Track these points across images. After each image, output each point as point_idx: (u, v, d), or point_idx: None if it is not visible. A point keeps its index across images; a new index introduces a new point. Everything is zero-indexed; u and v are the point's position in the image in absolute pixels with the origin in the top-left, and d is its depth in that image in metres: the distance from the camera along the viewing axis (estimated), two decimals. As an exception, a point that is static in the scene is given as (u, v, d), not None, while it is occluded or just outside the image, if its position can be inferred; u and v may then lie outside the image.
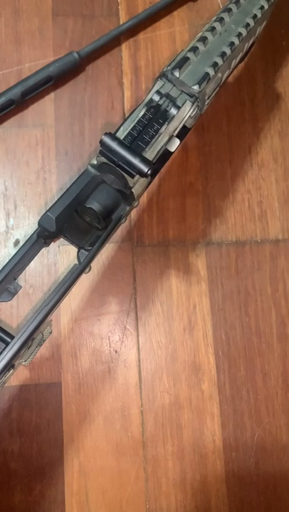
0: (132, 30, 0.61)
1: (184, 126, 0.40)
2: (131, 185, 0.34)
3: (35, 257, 0.54)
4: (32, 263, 0.54)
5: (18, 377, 0.52)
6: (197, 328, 0.55)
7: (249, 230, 0.58)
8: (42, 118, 0.58)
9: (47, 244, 0.36)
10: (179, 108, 0.37)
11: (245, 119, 0.61)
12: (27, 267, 0.54)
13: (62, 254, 0.54)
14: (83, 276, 0.55)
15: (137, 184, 0.35)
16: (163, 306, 0.55)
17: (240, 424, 0.54)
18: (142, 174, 0.33)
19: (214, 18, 0.43)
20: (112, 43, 0.60)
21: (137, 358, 0.54)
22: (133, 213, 0.57)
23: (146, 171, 0.33)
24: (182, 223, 0.57)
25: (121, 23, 0.61)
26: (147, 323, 0.55)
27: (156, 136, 0.35)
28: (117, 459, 0.52)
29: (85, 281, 0.54)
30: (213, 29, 0.41)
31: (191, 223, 0.58)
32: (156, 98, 0.37)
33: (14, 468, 0.50)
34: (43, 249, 0.54)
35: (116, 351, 0.54)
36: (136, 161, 0.33)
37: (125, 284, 0.55)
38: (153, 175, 0.39)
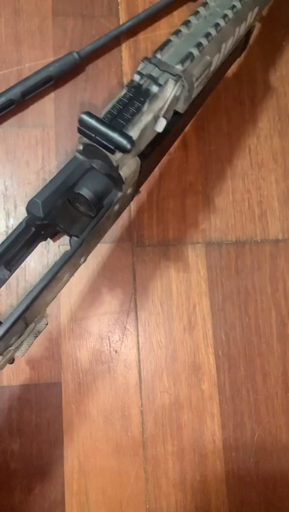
0: (132, 30, 0.61)
1: (177, 112, 0.40)
2: (115, 164, 0.34)
3: (36, 258, 0.54)
4: (32, 263, 0.54)
5: (18, 377, 0.52)
6: (197, 328, 0.55)
7: (249, 230, 0.58)
8: (42, 118, 0.58)
9: (43, 237, 0.36)
10: (160, 86, 0.37)
11: (245, 119, 0.61)
12: (27, 268, 0.54)
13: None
14: (83, 275, 0.55)
15: (124, 166, 0.35)
16: (163, 306, 0.55)
17: (240, 424, 0.54)
18: (122, 148, 0.33)
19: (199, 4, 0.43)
20: (112, 43, 0.60)
21: (137, 358, 0.54)
22: (133, 213, 0.57)
23: (124, 143, 0.32)
24: (182, 223, 0.57)
25: (121, 23, 0.61)
26: (147, 323, 0.55)
27: (138, 115, 0.35)
28: (117, 459, 0.52)
29: (85, 280, 0.54)
30: (197, 13, 0.41)
31: (191, 223, 0.58)
32: (137, 78, 0.37)
33: (14, 468, 0.50)
34: (44, 249, 0.54)
35: (116, 351, 0.54)
36: (114, 135, 0.32)
37: (125, 284, 0.55)
38: (144, 159, 0.38)
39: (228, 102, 0.61)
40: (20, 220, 0.55)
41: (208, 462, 0.53)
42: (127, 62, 0.61)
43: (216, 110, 0.61)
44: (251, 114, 0.62)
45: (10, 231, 0.55)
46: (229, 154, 0.60)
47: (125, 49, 0.61)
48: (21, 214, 0.55)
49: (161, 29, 0.62)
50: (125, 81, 0.60)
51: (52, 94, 0.59)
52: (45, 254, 0.54)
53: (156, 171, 0.57)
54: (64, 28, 0.61)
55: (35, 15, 0.61)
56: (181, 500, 0.52)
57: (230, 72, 0.60)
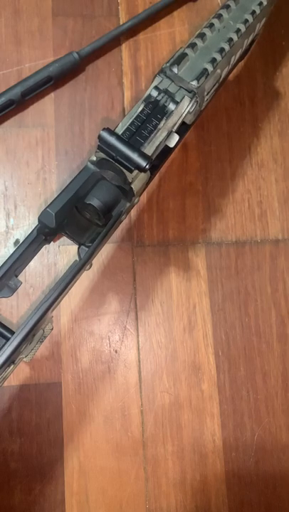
0: (132, 30, 0.61)
1: (184, 123, 0.40)
2: (130, 180, 0.34)
3: (36, 257, 0.54)
4: (32, 263, 0.54)
5: (18, 376, 0.52)
6: (197, 328, 0.55)
7: (249, 230, 0.58)
8: (42, 118, 0.58)
9: (48, 241, 0.36)
10: (177, 103, 0.37)
11: (245, 119, 0.61)
12: (27, 268, 0.54)
13: (62, 254, 0.54)
14: (83, 275, 0.55)
15: (137, 180, 0.35)
16: (163, 306, 0.55)
17: (240, 424, 0.54)
18: (141, 169, 0.33)
19: (213, 15, 0.43)
20: (112, 43, 0.60)
21: (137, 358, 0.54)
22: (133, 213, 0.57)
23: (144, 165, 0.33)
24: (182, 223, 0.57)
25: (121, 23, 0.61)
26: (147, 323, 0.55)
27: (155, 132, 0.35)
28: (117, 459, 0.52)
29: (85, 280, 0.54)
30: (211, 25, 0.41)
31: (191, 223, 0.58)
32: (155, 94, 0.37)
33: (14, 468, 0.50)
34: (43, 249, 0.54)
35: (116, 351, 0.54)
36: (134, 156, 0.33)
37: (125, 283, 0.55)
38: (153, 171, 0.39)
39: (228, 102, 0.61)
40: (21, 219, 0.55)
41: (208, 462, 0.53)
42: (127, 62, 0.61)
43: (216, 110, 0.61)
44: (251, 114, 0.62)
45: (10, 231, 0.55)
46: (229, 154, 0.60)
47: (125, 49, 0.61)
48: (21, 214, 0.55)
49: (161, 29, 0.62)
50: (125, 81, 0.60)
51: (52, 94, 0.59)
52: (45, 254, 0.54)
53: (156, 171, 0.58)
54: (64, 28, 0.61)
55: (35, 15, 0.61)
56: (181, 500, 0.52)
57: (230, 72, 0.60)
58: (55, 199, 0.34)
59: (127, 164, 0.33)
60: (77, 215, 0.36)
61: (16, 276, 0.36)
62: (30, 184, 0.56)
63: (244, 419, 0.54)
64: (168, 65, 0.38)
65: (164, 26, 0.62)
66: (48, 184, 0.56)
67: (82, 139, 0.58)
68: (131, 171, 0.33)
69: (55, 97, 0.59)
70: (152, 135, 0.35)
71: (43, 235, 0.35)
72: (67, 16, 0.61)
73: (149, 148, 0.35)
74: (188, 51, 0.39)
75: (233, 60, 0.44)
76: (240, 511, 0.52)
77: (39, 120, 0.58)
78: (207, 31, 0.41)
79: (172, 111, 0.37)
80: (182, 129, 0.40)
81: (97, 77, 0.60)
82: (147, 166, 0.33)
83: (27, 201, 0.56)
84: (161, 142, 0.36)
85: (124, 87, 0.60)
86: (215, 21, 0.42)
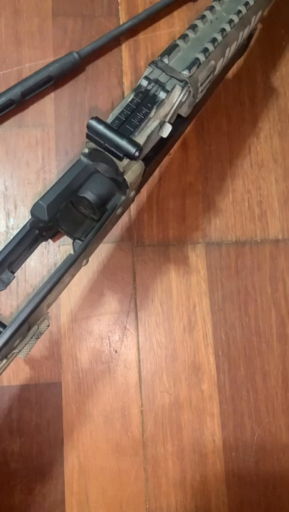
0: (132, 30, 0.61)
1: (180, 116, 0.40)
2: (121, 170, 0.34)
3: (36, 258, 0.54)
4: (32, 263, 0.54)
5: (18, 377, 0.52)
6: (197, 328, 0.55)
7: (249, 230, 0.58)
8: (42, 118, 0.58)
9: (44, 237, 0.36)
10: (168, 92, 0.37)
11: (245, 119, 0.61)
12: (27, 268, 0.54)
13: (62, 254, 0.54)
14: (83, 275, 0.55)
15: (129, 171, 0.35)
16: (163, 306, 0.55)
17: (240, 424, 0.54)
18: (130, 156, 0.33)
19: (206, 8, 0.43)
20: (112, 43, 0.60)
21: (137, 358, 0.54)
22: (133, 213, 0.57)
23: (133, 151, 0.32)
24: (182, 223, 0.57)
25: (121, 23, 0.61)
26: (147, 323, 0.55)
27: (146, 121, 0.35)
28: (117, 459, 0.52)
29: (85, 280, 0.54)
30: (203, 17, 0.41)
31: (191, 223, 0.58)
32: (145, 83, 0.37)
33: (14, 468, 0.50)
34: (44, 249, 0.54)
35: (116, 351, 0.54)
36: (123, 143, 0.32)
37: (125, 283, 0.55)
38: (148, 163, 0.38)
39: (228, 102, 0.61)
40: (21, 219, 0.55)
41: (208, 462, 0.53)
42: (127, 62, 0.61)
43: (216, 110, 0.61)
44: (251, 114, 0.62)
45: (10, 231, 0.55)
46: (229, 154, 0.60)
47: (125, 49, 0.61)
48: (21, 214, 0.55)
49: (161, 29, 0.62)
50: (125, 81, 0.60)
51: (52, 94, 0.59)
52: (45, 254, 0.54)
53: (156, 171, 0.57)
54: (64, 28, 0.61)
55: (35, 15, 0.61)
56: (181, 500, 0.52)
57: (230, 72, 0.60)
58: (47, 192, 0.33)
59: (115, 152, 0.32)
60: (72, 210, 0.35)
61: (13, 272, 0.36)
62: (30, 184, 0.56)
63: (244, 419, 0.54)
64: (159, 56, 0.38)
65: (164, 26, 0.62)
66: (48, 184, 0.56)
67: (82, 139, 0.58)
68: (121, 159, 0.33)
69: (55, 97, 0.59)
70: (143, 124, 0.35)
71: (37, 229, 0.35)
72: (67, 16, 0.61)
73: (140, 138, 0.35)
74: (179, 42, 0.39)
75: (228, 52, 0.43)
76: (240, 511, 0.52)
77: (39, 120, 0.58)
78: (199, 23, 0.41)
79: (163, 100, 0.36)
80: (178, 122, 0.40)
81: (97, 77, 0.60)
82: (136, 153, 0.32)
83: (27, 201, 0.56)
84: (153, 132, 0.35)
85: (124, 87, 0.60)
86: (207, 13, 0.42)
